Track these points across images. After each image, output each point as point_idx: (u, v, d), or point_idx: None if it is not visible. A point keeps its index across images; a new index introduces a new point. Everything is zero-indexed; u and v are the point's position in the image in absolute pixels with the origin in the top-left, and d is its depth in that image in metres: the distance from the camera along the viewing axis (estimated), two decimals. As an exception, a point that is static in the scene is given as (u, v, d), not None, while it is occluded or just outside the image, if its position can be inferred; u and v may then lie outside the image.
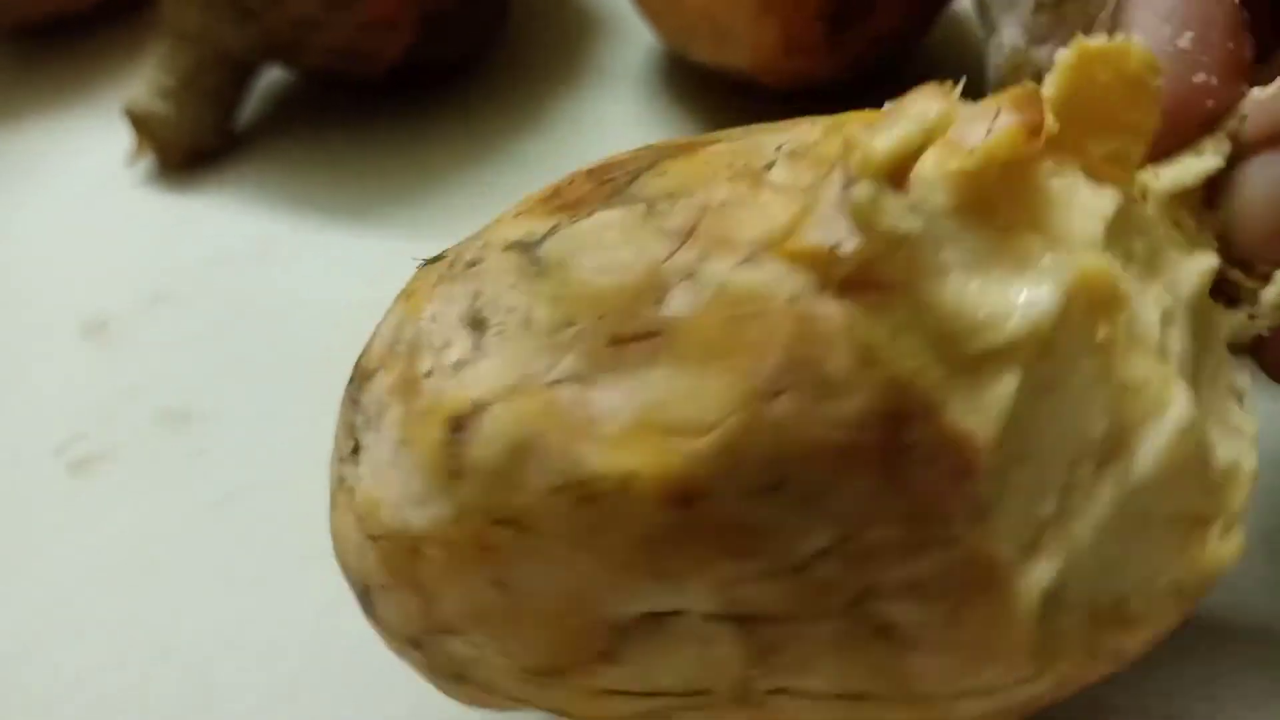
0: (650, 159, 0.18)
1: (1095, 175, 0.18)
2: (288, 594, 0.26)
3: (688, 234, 0.16)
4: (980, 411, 0.15)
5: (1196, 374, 0.18)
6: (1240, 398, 0.18)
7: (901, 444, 0.15)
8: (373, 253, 0.35)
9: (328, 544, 0.26)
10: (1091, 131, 0.18)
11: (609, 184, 0.18)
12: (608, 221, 0.17)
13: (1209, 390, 0.18)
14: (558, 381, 0.16)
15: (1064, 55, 0.18)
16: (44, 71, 0.45)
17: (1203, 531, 0.17)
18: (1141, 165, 0.18)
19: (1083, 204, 0.17)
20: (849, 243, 0.15)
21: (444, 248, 0.20)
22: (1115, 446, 0.16)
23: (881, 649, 0.16)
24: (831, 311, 0.15)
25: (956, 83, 0.16)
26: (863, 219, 0.15)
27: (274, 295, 0.34)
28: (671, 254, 0.16)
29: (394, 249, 0.34)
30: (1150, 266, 0.18)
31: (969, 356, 0.15)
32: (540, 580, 0.16)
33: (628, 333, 0.16)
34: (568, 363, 0.16)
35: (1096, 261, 0.16)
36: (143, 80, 0.38)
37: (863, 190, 0.15)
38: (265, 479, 0.29)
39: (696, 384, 0.15)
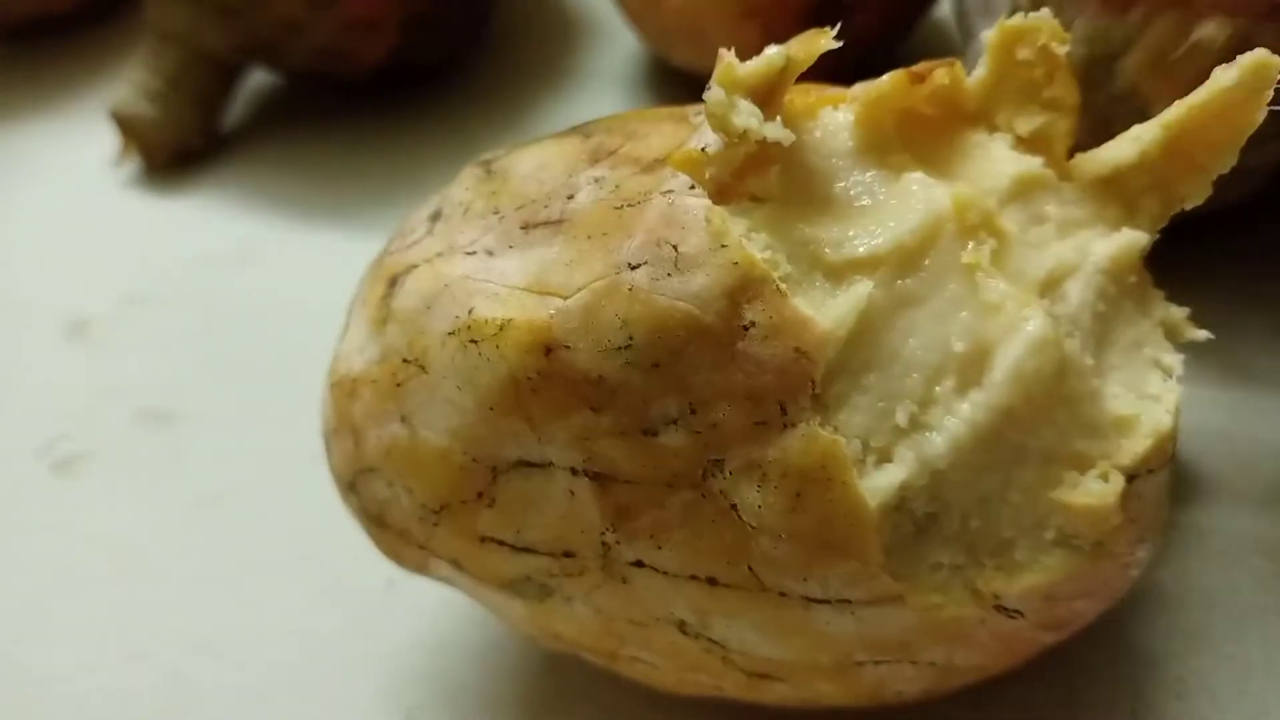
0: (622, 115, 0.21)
1: (1023, 149, 0.20)
2: (266, 594, 0.27)
3: (608, 154, 0.19)
4: (829, 308, 0.17)
5: (1104, 337, 0.19)
6: (1166, 373, 0.19)
7: (741, 321, 0.16)
8: (355, 254, 0.34)
9: (306, 544, 0.27)
10: (1019, 108, 0.20)
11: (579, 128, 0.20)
12: (549, 144, 0.20)
13: (1122, 355, 0.19)
14: (472, 253, 0.18)
15: (990, 34, 0.20)
16: (26, 72, 0.45)
17: (1078, 474, 0.18)
18: (1071, 145, 0.20)
19: (993, 161, 0.19)
20: (714, 144, 0.17)
21: None
22: (977, 367, 0.17)
23: (729, 529, 0.17)
24: (695, 203, 0.17)
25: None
26: (715, 119, 0.17)
27: (256, 296, 0.35)
28: (590, 166, 0.19)
29: (375, 251, 0.34)
30: (1062, 230, 0.19)
31: (830, 263, 0.17)
32: (433, 416, 0.18)
33: (538, 220, 0.18)
34: (485, 240, 0.19)
35: (969, 191, 0.18)
36: (128, 81, 0.39)
37: (714, 94, 0.17)
38: (245, 480, 0.29)
39: (576, 258, 0.17)
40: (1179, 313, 0.20)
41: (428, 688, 0.24)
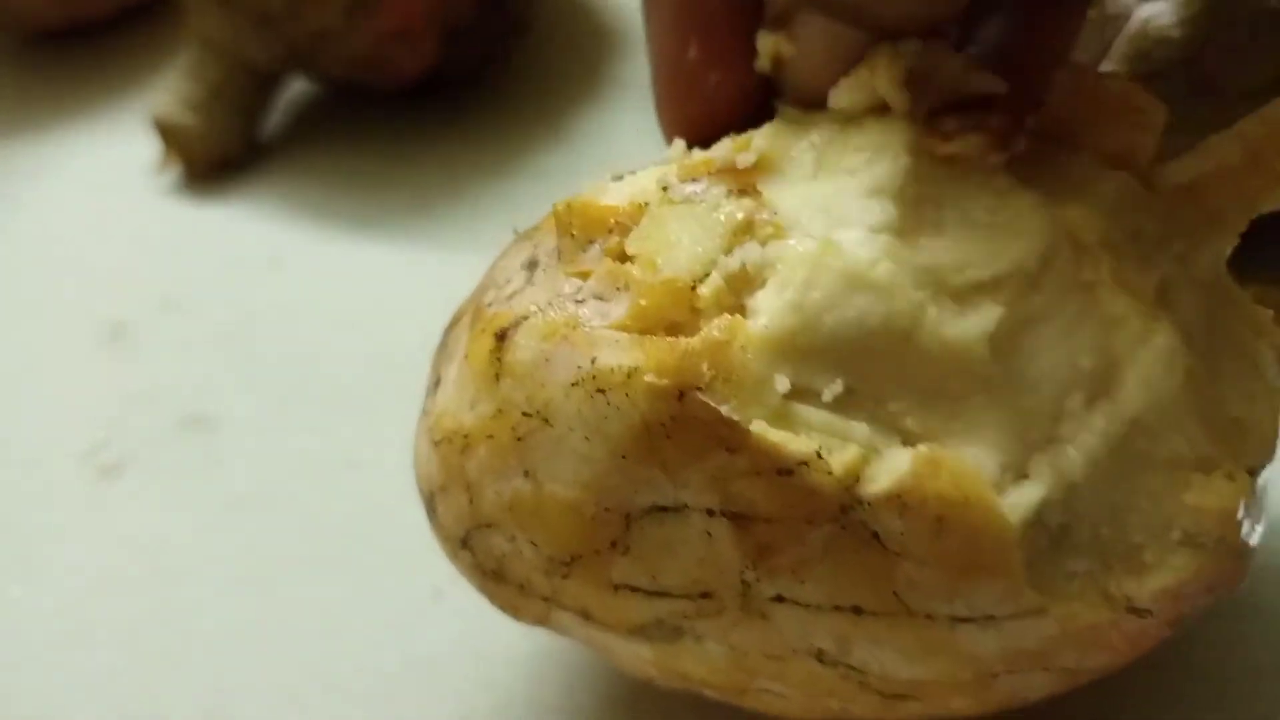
0: None
1: (1110, 161, 0.20)
2: (306, 599, 0.27)
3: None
4: (964, 331, 0.17)
5: (1210, 341, 0.19)
6: (1265, 372, 0.19)
7: None
8: (390, 262, 0.36)
9: (345, 549, 0.27)
10: (1104, 124, 0.20)
11: None
12: (632, 180, 0.20)
13: (1226, 358, 0.19)
14: (581, 300, 0.18)
15: (1063, 72, 0.20)
16: (62, 78, 0.45)
17: (1204, 476, 0.18)
18: (1153, 158, 0.20)
19: (1086, 177, 0.19)
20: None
21: (460, 258, 0.22)
22: (1105, 380, 0.18)
23: (872, 557, 0.17)
24: None
25: None
26: None
27: (293, 303, 0.35)
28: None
29: (411, 259, 0.35)
30: (1161, 243, 0.19)
31: (955, 287, 0.18)
32: (560, 468, 0.18)
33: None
34: (589, 284, 0.18)
35: (1082, 209, 0.18)
36: (169, 90, 0.39)
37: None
38: (283, 484, 0.29)
39: None
40: (1265, 314, 0.20)
41: (475, 698, 0.24)
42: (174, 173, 0.40)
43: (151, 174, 0.40)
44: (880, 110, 0.19)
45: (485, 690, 0.24)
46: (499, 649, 0.25)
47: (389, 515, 0.27)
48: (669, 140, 0.21)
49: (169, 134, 0.39)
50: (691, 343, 0.17)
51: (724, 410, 0.17)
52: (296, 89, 0.42)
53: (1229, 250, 0.20)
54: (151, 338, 0.34)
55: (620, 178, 0.20)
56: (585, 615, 0.19)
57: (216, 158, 0.39)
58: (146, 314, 0.35)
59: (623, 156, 0.21)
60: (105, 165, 0.41)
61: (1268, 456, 0.19)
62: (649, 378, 0.17)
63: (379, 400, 0.30)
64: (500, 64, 0.42)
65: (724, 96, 0.21)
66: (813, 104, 0.20)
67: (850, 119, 0.19)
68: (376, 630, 0.26)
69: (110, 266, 0.37)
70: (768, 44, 0.21)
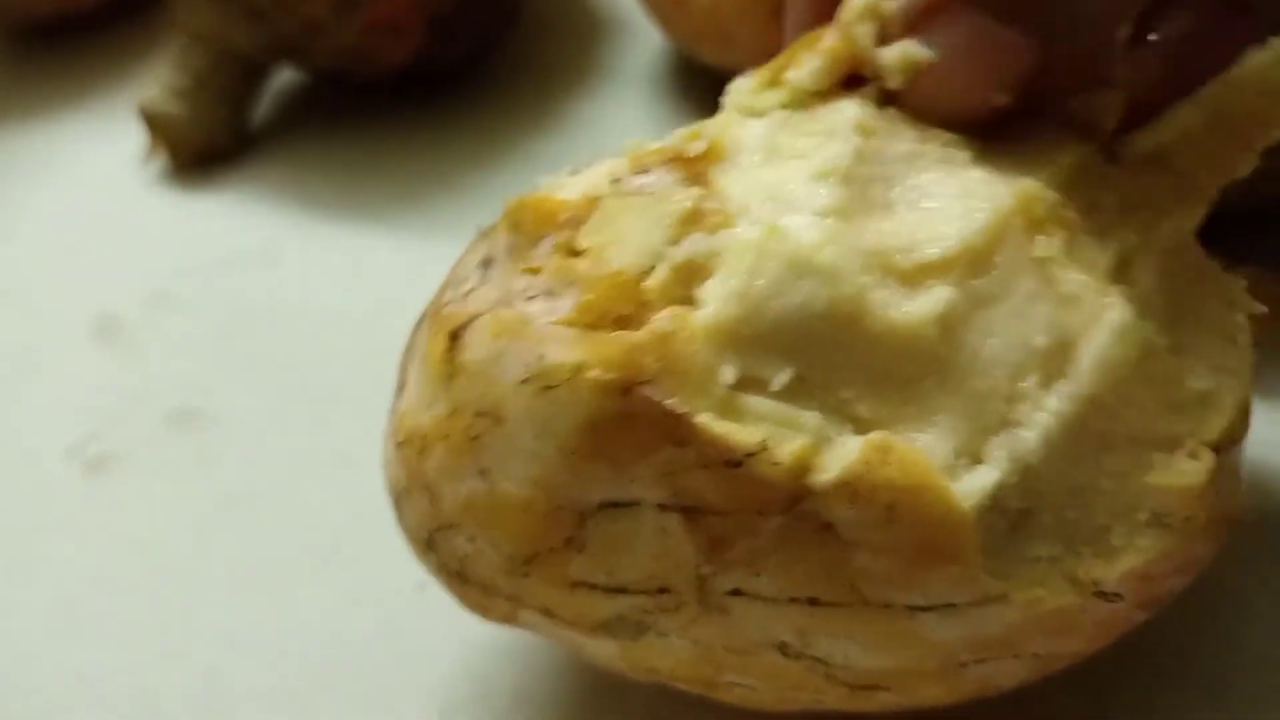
0: None
1: (1071, 130, 0.20)
2: (297, 595, 0.27)
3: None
4: (913, 314, 0.17)
5: (1175, 312, 0.19)
6: (1235, 343, 0.19)
7: None
8: (382, 254, 0.35)
9: (337, 546, 0.27)
10: (1069, 91, 0.19)
11: None
12: (588, 174, 0.20)
13: (1193, 331, 0.19)
14: (533, 297, 0.18)
15: None
16: (50, 71, 0.45)
17: (1167, 455, 0.18)
18: (1116, 128, 0.20)
19: (1045, 146, 0.19)
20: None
21: (452, 250, 0.22)
22: (1060, 359, 0.17)
23: (826, 547, 0.17)
24: None
25: None
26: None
27: (282, 296, 0.35)
28: None
29: (403, 251, 0.35)
30: (1121, 214, 0.19)
31: (903, 269, 0.17)
32: (513, 466, 0.18)
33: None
34: (539, 281, 0.18)
35: (1033, 184, 0.18)
36: (156, 80, 0.39)
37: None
38: (275, 481, 0.29)
39: None
40: (1238, 283, 0.20)
41: (462, 688, 0.24)
42: (161, 162, 0.39)
43: (141, 167, 0.39)
44: (831, 93, 0.19)
45: (470, 680, 0.24)
46: (483, 641, 0.25)
47: (381, 509, 0.27)
48: None
49: (155, 123, 0.38)
50: (637, 336, 0.17)
51: (670, 403, 0.16)
52: (285, 78, 0.42)
53: (1198, 219, 0.20)
54: (142, 331, 0.34)
55: (576, 172, 0.20)
56: (548, 614, 0.19)
57: (203, 147, 0.39)
58: (137, 307, 0.35)
59: (614, 146, 0.21)
60: (94, 158, 0.40)
61: (1240, 432, 0.19)
62: (594, 373, 0.17)
63: (371, 394, 0.30)
64: (491, 53, 0.42)
65: None
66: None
67: (802, 103, 0.19)
68: (366, 624, 0.26)
69: (100, 259, 0.37)
70: (898, 54, 0.19)
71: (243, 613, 0.26)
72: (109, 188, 0.39)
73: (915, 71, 0.19)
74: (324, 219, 0.37)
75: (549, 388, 0.17)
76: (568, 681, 0.24)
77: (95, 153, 0.41)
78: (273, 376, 0.32)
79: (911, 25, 0.18)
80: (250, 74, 0.39)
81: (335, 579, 0.27)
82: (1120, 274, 0.18)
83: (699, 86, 0.39)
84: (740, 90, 0.20)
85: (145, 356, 0.33)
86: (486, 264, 0.20)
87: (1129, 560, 0.18)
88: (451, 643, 0.25)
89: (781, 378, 0.17)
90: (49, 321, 0.35)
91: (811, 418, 0.17)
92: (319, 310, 0.34)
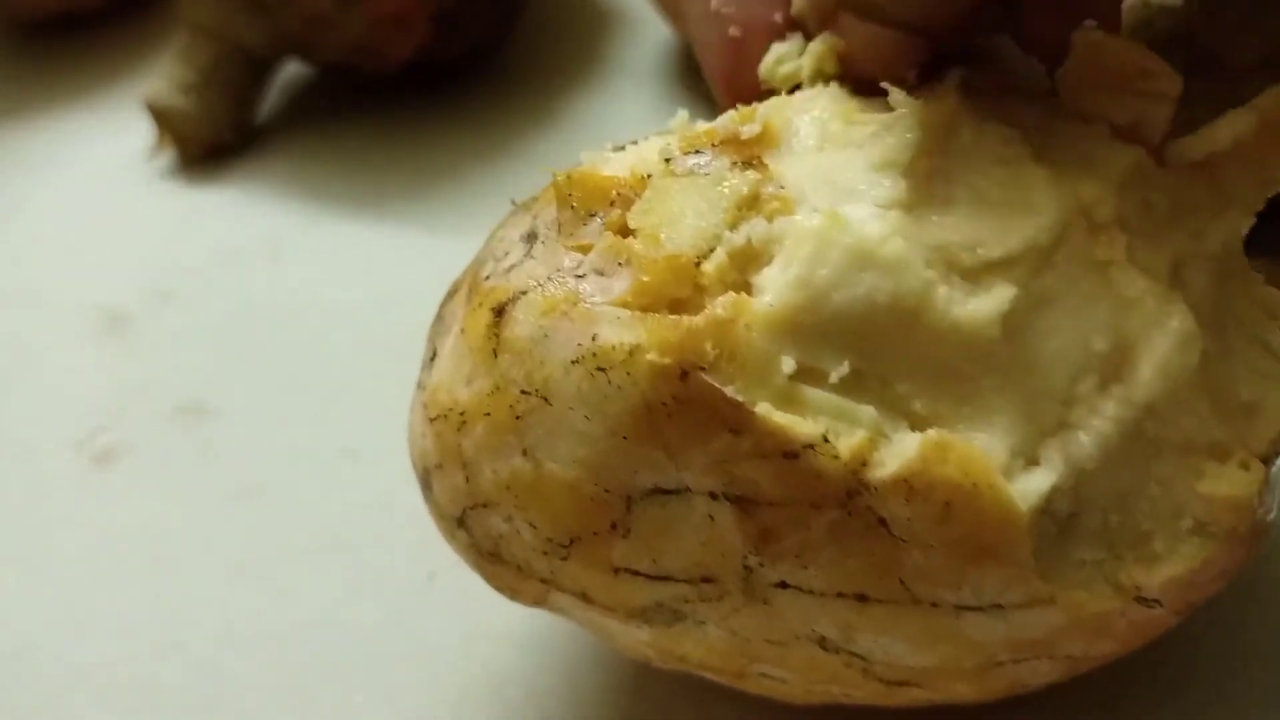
0: None
1: (1120, 138, 0.19)
2: (303, 587, 0.26)
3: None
4: (975, 311, 0.17)
5: (1221, 320, 0.19)
6: (1274, 352, 0.19)
7: None
8: (387, 248, 0.35)
9: (342, 537, 0.27)
10: (1114, 97, 0.19)
11: None
12: (634, 150, 0.20)
13: (1237, 339, 0.19)
14: (582, 275, 0.18)
15: (1078, 35, 0.19)
16: (56, 66, 0.45)
17: (1219, 464, 0.18)
18: (1166, 133, 0.19)
19: (1098, 151, 0.19)
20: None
21: (457, 244, 0.22)
22: (1118, 363, 0.17)
23: (878, 543, 0.17)
24: None
25: None
26: None
27: (289, 290, 0.34)
28: None
29: (408, 244, 0.35)
30: (1173, 220, 0.19)
31: (966, 266, 0.17)
32: (560, 447, 0.17)
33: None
34: (590, 259, 0.18)
35: (1095, 186, 0.18)
36: (162, 75, 0.39)
37: None
38: (280, 473, 0.29)
39: None
40: (1277, 294, 0.20)
41: (473, 679, 0.24)
42: (167, 157, 0.39)
43: (147, 162, 0.39)
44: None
45: (482, 673, 0.24)
46: (495, 631, 0.25)
47: (385, 501, 0.27)
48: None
49: (162, 117, 0.38)
50: (695, 321, 0.16)
51: (728, 391, 0.16)
52: (291, 72, 0.42)
53: (1244, 228, 0.19)
54: (147, 325, 0.34)
55: (622, 148, 0.20)
56: (584, 598, 0.19)
57: (209, 141, 0.39)
58: (142, 302, 0.35)
59: (619, 139, 0.20)
60: (100, 154, 0.40)
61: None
62: (651, 356, 0.16)
63: (375, 387, 0.30)
64: (496, 47, 0.42)
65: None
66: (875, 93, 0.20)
67: (855, 92, 0.19)
68: (373, 615, 0.26)
69: (106, 254, 0.37)
70: (826, 44, 0.20)
71: (248, 604, 0.26)
72: (115, 182, 0.39)
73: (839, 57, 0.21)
74: (329, 213, 0.37)
75: (602, 369, 0.17)
76: (582, 673, 0.24)
77: (101, 148, 0.41)
78: (278, 370, 0.32)
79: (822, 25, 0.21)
80: (256, 69, 0.39)
81: (341, 571, 0.27)
82: (1176, 280, 0.18)
83: (703, 80, 0.39)
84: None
85: (151, 350, 0.33)
86: (530, 238, 0.19)
87: (1172, 568, 0.18)
88: (464, 633, 0.25)
89: (840, 370, 0.17)
90: (55, 315, 0.35)
91: (868, 412, 0.17)
92: (324, 304, 0.34)
